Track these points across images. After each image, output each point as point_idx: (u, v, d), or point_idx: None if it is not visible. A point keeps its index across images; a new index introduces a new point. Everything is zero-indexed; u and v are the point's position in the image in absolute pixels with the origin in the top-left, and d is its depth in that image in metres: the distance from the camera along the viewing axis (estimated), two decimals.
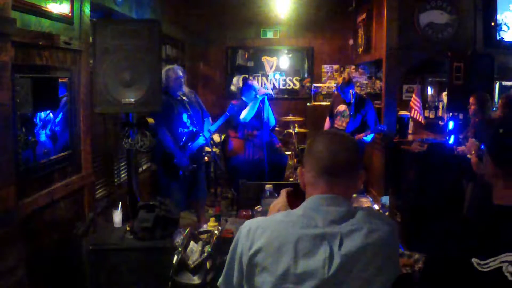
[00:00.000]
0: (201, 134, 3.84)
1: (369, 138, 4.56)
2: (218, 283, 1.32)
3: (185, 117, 3.83)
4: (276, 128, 5.97)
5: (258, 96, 4.31)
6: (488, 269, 0.94)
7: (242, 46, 7.04)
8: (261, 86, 6.95)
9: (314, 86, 6.94)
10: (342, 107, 4.82)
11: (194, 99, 4.01)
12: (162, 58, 4.41)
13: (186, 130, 3.85)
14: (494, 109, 4.13)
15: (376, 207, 2.82)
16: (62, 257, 2.65)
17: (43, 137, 2.55)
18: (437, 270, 1.04)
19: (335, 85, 6.33)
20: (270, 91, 4.44)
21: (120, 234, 2.67)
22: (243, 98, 4.50)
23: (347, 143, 1.25)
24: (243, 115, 4.35)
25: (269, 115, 4.45)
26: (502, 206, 1.05)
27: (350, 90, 4.61)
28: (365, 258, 1.14)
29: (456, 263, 0.99)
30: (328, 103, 5.65)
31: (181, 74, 3.83)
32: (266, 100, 4.36)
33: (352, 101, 4.61)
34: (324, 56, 7.02)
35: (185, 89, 3.90)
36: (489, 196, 1.09)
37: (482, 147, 1.16)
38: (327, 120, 5.11)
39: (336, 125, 4.88)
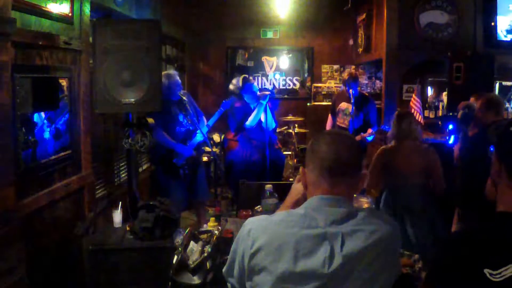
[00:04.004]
0: (198, 131, 3.85)
1: (371, 137, 4.54)
2: (223, 271, 1.33)
3: (181, 117, 3.85)
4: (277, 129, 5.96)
5: (261, 101, 4.27)
6: (501, 278, 0.92)
7: (242, 46, 7.02)
8: (261, 86, 6.94)
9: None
10: (344, 105, 4.73)
11: (188, 100, 4.03)
12: (162, 58, 4.42)
13: (183, 129, 3.87)
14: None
15: None
16: (62, 257, 2.65)
17: (47, 135, 2.56)
18: (449, 282, 1.01)
19: (340, 80, 6.32)
20: (268, 92, 4.38)
21: (120, 234, 2.67)
22: (245, 98, 4.49)
23: (350, 143, 1.25)
24: (249, 121, 4.34)
25: (269, 118, 4.43)
26: (507, 214, 1.04)
27: (357, 87, 4.54)
28: (367, 259, 1.14)
29: (469, 275, 0.96)
30: (328, 103, 5.64)
31: (177, 78, 3.87)
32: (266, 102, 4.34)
33: (352, 100, 4.53)
34: (324, 56, 7.01)
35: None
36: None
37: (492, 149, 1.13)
38: (329, 117, 5.03)
39: (338, 123, 4.81)
